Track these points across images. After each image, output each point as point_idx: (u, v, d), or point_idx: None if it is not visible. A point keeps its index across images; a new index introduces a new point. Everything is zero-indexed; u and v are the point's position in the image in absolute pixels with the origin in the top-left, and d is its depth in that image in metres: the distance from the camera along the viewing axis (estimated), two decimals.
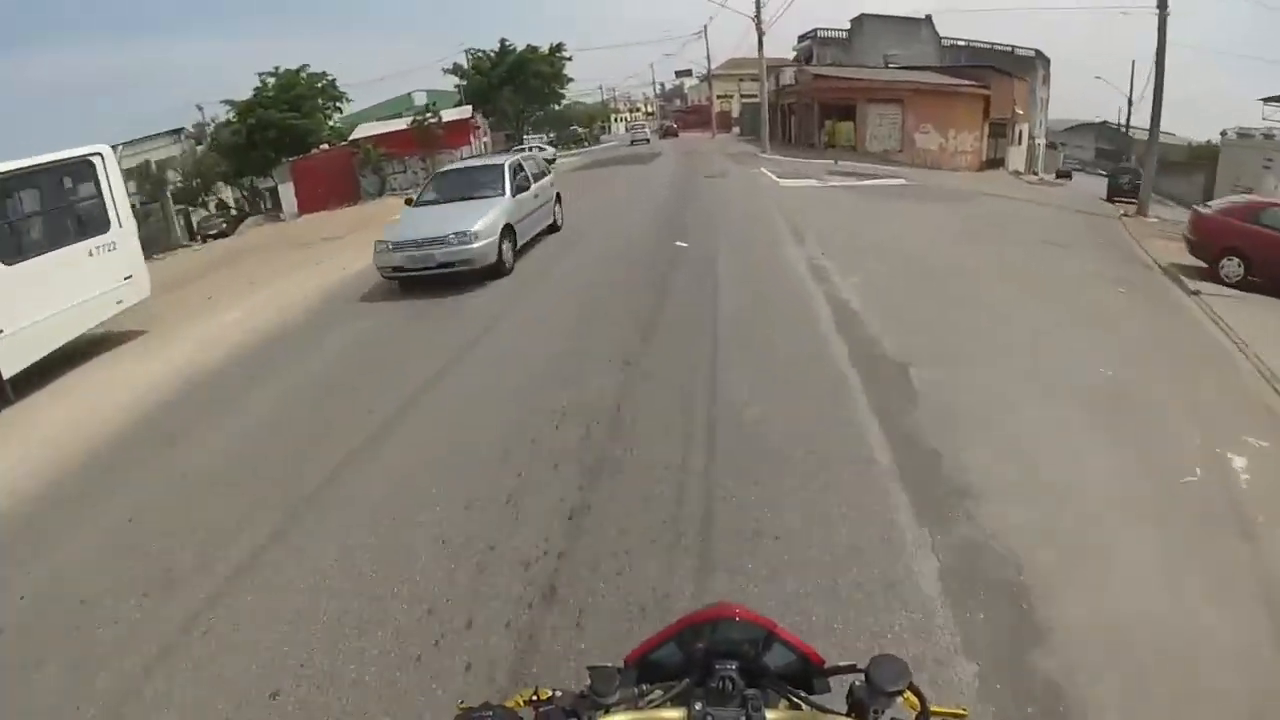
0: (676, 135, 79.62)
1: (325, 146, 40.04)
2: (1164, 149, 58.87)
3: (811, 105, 39.33)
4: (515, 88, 42.22)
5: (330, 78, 40.46)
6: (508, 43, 42.90)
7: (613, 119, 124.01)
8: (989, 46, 47.26)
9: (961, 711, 1.18)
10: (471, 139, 41.46)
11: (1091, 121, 74.66)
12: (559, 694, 1.20)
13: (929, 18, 49.77)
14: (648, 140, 50.73)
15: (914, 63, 43.22)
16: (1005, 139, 42.38)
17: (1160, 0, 20.37)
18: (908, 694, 1.10)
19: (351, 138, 40.33)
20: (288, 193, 38.64)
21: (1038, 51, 47.75)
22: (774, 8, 34.88)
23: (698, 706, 1.11)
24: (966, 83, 36.72)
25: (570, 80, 45.40)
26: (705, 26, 58.74)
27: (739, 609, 1.23)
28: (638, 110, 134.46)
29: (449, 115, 40.70)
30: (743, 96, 76.25)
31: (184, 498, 5.37)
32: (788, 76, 47.35)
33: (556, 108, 52.96)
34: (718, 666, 1.16)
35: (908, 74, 38.75)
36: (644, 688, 1.24)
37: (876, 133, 37.06)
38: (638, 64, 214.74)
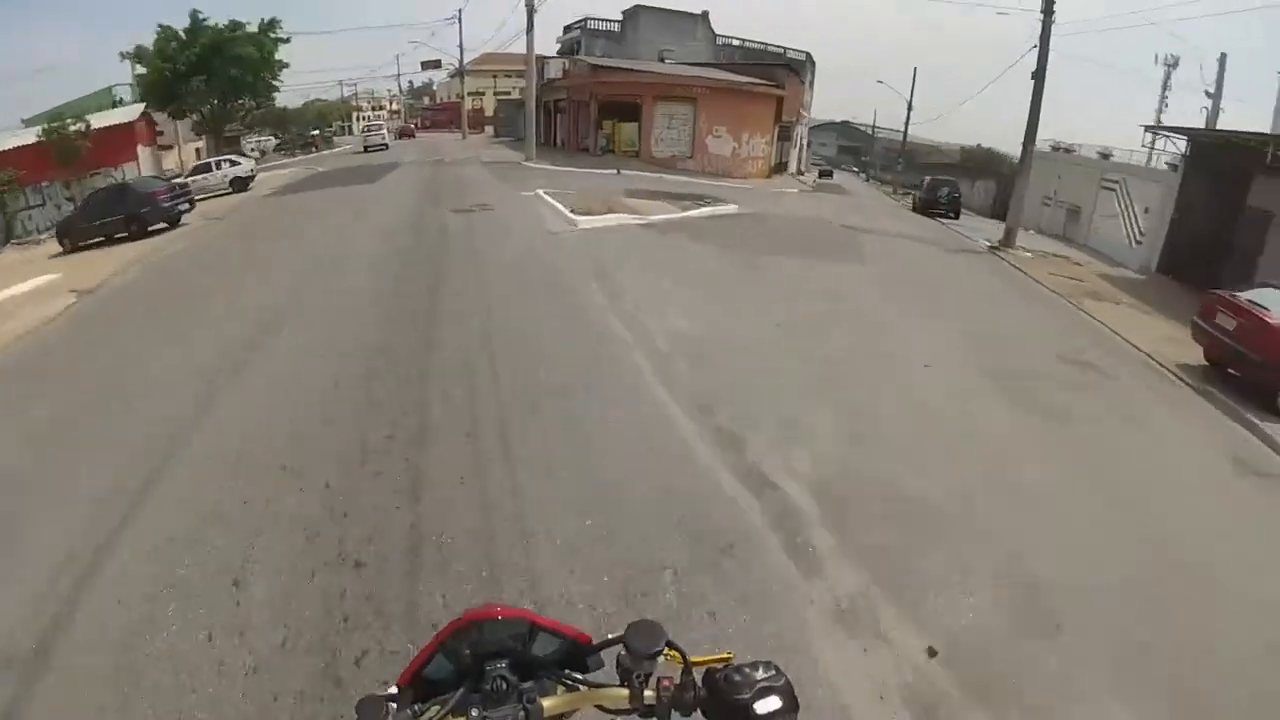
0: (413, 136, 70.74)
1: None
2: (922, 150, 61.23)
3: (587, 103, 32.48)
4: (209, 77, 30.57)
5: None
6: (202, 16, 31.03)
7: (355, 118, 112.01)
8: (762, 47, 45.39)
9: (726, 656, 1.16)
10: (141, 150, 29.46)
11: (833, 121, 78.20)
12: None
13: (705, 14, 47.09)
14: (385, 145, 41.58)
15: (689, 60, 38.84)
16: (789, 141, 39.10)
17: (1046, 5, 17.75)
18: (669, 652, 1.12)
19: None
20: None
21: (808, 54, 45.72)
22: None
23: (474, 713, 1.10)
24: (761, 82, 31.91)
25: (284, 67, 34.17)
26: (460, 10, 50.03)
27: (499, 608, 1.22)
28: (382, 108, 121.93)
29: (107, 119, 28.61)
30: (497, 94, 69.02)
31: None
32: (554, 70, 40.35)
33: (270, 103, 40.76)
34: (488, 668, 1.16)
35: (697, 70, 33.51)
36: (417, 708, 1.16)
37: (665, 136, 31.21)
38: (383, 56, 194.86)
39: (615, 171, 26.67)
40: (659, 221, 15.95)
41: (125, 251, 16.73)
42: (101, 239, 18.94)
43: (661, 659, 1.11)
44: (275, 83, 34.84)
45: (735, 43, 45.53)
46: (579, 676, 1.20)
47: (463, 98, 52.14)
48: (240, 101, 34.69)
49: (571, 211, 15.51)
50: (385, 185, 22.32)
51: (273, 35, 33.10)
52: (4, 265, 18.55)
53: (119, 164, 28.07)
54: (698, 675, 1.11)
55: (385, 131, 42.91)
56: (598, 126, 31.32)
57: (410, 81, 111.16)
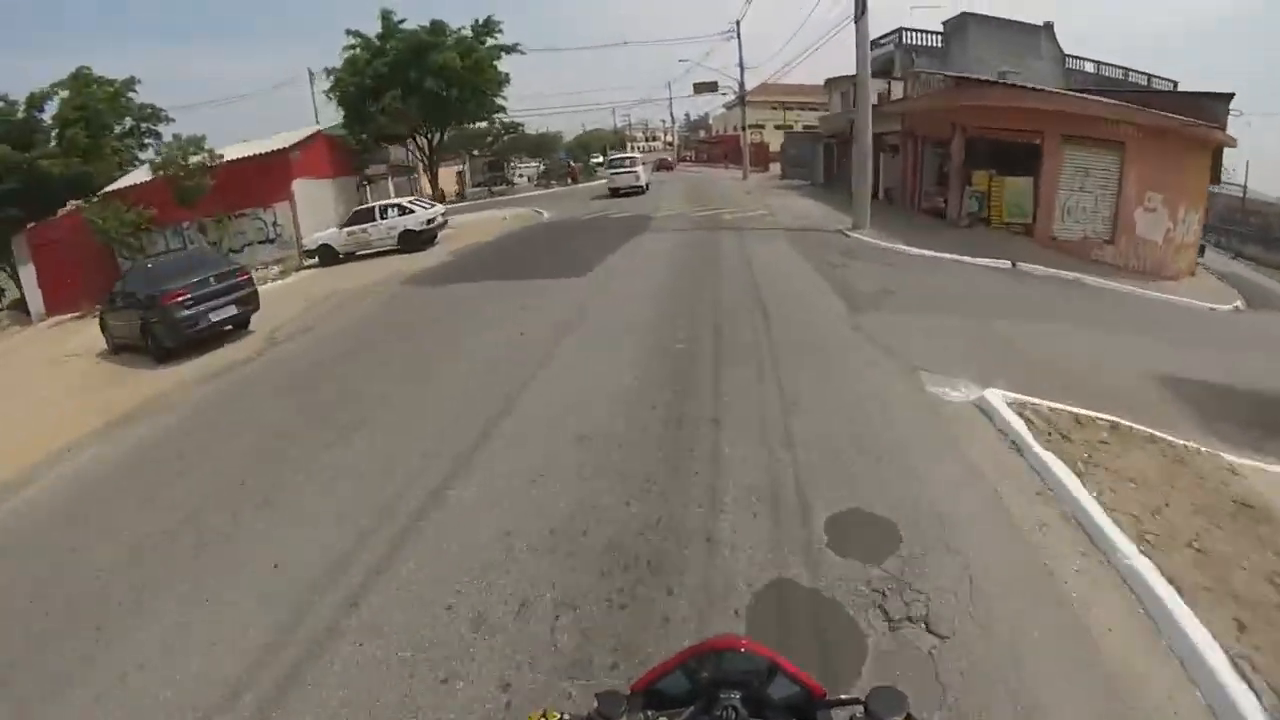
0: (670, 169, 62.75)
1: (79, 204, 22.13)
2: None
3: (944, 140, 20.46)
4: (406, 92, 23.98)
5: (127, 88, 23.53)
6: (397, 18, 24.66)
7: (629, 149, 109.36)
8: (1122, 73, 32.87)
9: None
10: (303, 186, 22.96)
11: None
12: (567, 717, 1.19)
13: (1049, 26, 34.14)
14: (640, 187, 31.96)
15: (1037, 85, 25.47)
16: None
17: None
18: None
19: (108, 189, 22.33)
20: (29, 279, 23.75)
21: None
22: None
23: None
24: (1205, 124, 17.75)
25: (504, 82, 26.96)
26: (738, 23, 40.57)
27: (744, 641, 1.28)
28: (655, 140, 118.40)
29: (252, 147, 23.00)
30: (779, 127, 59.44)
31: None
32: (871, 94, 29.00)
33: (496, 125, 33.94)
34: (722, 696, 1.20)
35: (1111, 97, 20.24)
36: (649, 714, 1.23)
37: (1074, 203, 18.23)
38: (657, 79, 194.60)
39: (1010, 265, 14.85)
40: None
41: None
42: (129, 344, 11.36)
43: None
44: (496, 99, 27.33)
45: (1089, 66, 32.69)
46: None
47: (744, 128, 42.22)
48: (463, 123, 27.71)
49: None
50: (608, 282, 12.36)
51: (489, 42, 25.55)
52: None
53: (270, 203, 21.70)
54: None
55: (639, 169, 33.19)
56: (963, 179, 19.46)
57: (687, 114, 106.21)
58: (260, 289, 17.31)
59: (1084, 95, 18.53)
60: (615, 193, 31.49)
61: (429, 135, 27.31)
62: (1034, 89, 17.97)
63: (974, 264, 14.48)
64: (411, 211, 19.33)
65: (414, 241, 18.97)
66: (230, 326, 11.60)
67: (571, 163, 56.52)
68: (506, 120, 50.50)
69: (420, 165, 28.81)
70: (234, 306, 11.54)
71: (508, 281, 12.95)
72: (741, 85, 38.81)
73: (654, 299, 10.45)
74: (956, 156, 19.39)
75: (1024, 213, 18.57)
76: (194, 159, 20.81)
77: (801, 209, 23.80)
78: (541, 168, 61.67)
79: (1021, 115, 17.64)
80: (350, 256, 19.60)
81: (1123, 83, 30.59)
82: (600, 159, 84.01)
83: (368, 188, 47.19)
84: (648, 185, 33.40)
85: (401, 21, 24.80)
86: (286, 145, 22.55)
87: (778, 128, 62.37)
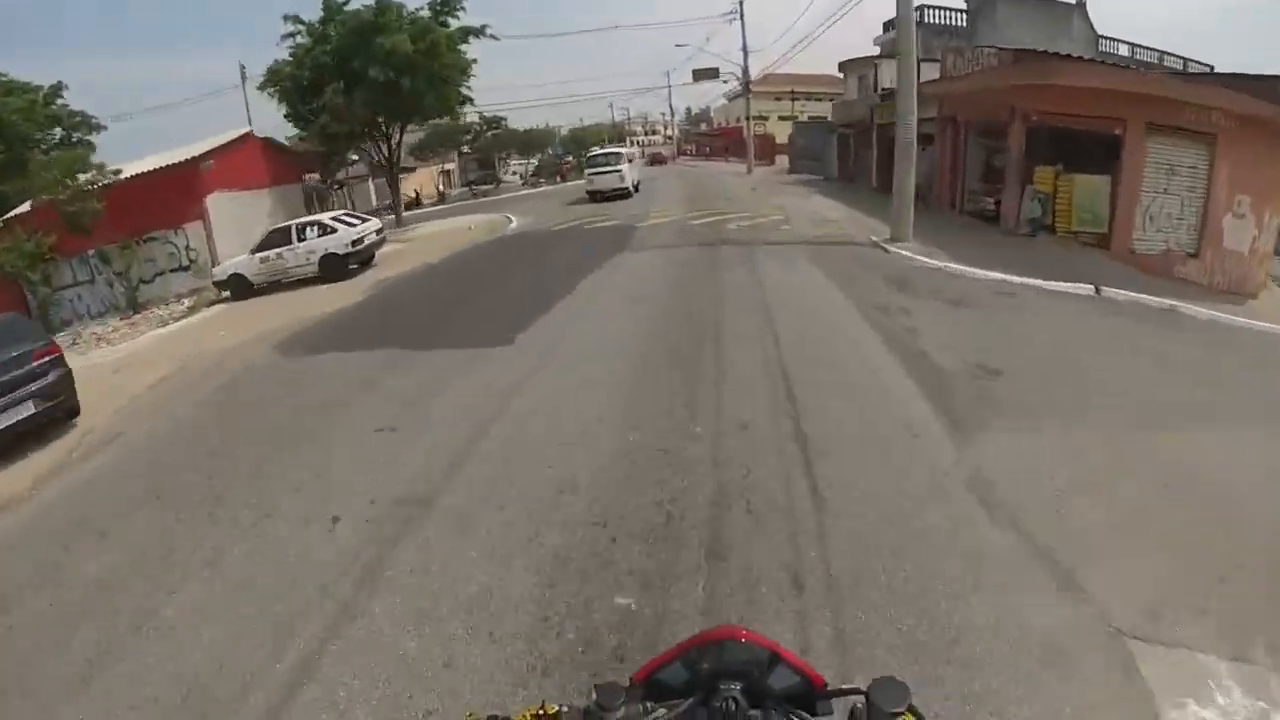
0: (664, 163, 60.39)
1: None
2: None
3: (998, 128, 16.53)
4: (349, 84, 20.27)
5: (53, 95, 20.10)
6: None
7: (627, 144, 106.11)
8: (1156, 56, 30.44)
9: None
10: (220, 201, 18.93)
11: None
12: (565, 709, 1.19)
13: (1081, 4, 30.83)
14: (626, 190, 26.70)
15: None
16: None
17: None
18: (907, 715, 1.09)
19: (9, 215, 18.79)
20: None
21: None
22: None
23: None
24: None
25: (468, 66, 23.07)
26: (740, 3, 36.68)
27: (744, 631, 1.24)
28: (655, 134, 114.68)
29: (154, 160, 19.27)
30: (785, 118, 55.93)
31: None
32: (886, 78, 25.33)
33: (456, 118, 29.47)
34: (722, 687, 1.18)
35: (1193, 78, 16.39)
36: (649, 705, 1.20)
37: (1158, 208, 14.54)
38: (655, 69, 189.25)
39: (1093, 292, 11.18)
40: None
41: None
42: None
43: None
44: (460, 89, 23.45)
45: (1123, 49, 29.71)
46: (807, 717, 1.19)
47: (749, 118, 38.32)
48: (425, 118, 23.93)
49: None
50: (546, 357, 8.08)
51: (452, 24, 21.73)
52: None
53: (182, 224, 18.07)
54: None
55: (626, 167, 27.14)
56: (1023, 177, 15.58)
57: (689, 108, 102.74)
58: (149, 335, 14.21)
59: (1172, 75, 14.72)
60: (596, 197, 26.70)
61: (386, 133, 23.57)
62: (1116, 66, 14.20)
63: (1054, 290, 10.80)
64: (333, 230, 15.56)
65: (337, 267, 15.32)
66: (30, 427, 7.94)
67: (563, 159, 52.90)
68: (488, 115, 47.06)
69: (391, 166, 24.99)
70: (30, 404, 7.90)
71: (404, 353, 8.96)
72: (745, 71, 34.99)
73: (609, 401, 6.58)
74: (1015, 148, 15.60)
75: (1097, 219, 14.80)
76: (82, 177, 17.18)
77: (819, 211, 20.05)
78: (533, 165, 58.30)
79: (1099, 98, 13.81)
80: (275, 286, 16.01)
81: (1158, 67, 27.30)
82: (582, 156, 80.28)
83: (342, 192, 43.74)
84: (637, 185, 28.99)
85: (345, 2, 21.06)
86: (197, 154, 18.68)
87: (782, 119, 58.93)
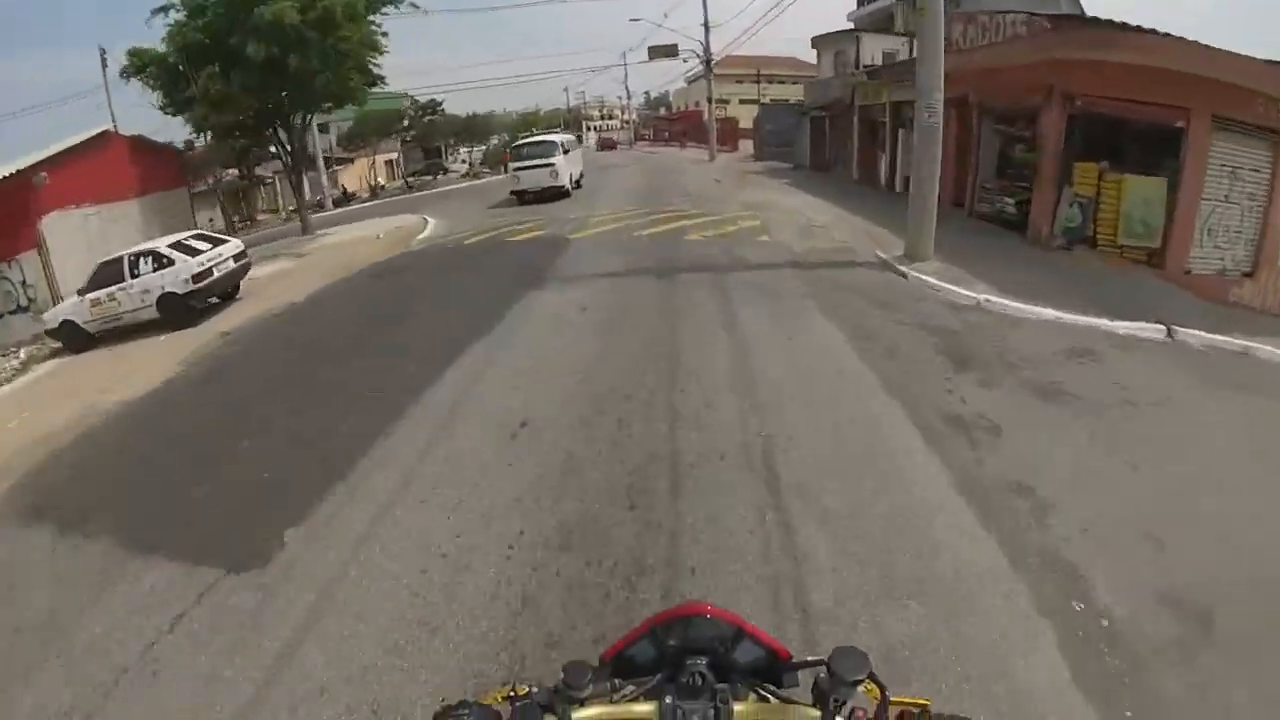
0: (615, 148, 59.21)
1: None
2: None
3: (1030, 113, 13.09)
4: (227, 67, 16.47)
5: None
6: None
7: (585, 129, 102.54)
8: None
9: (923, 701, 1.17)
10: (51, 226, 14.84)
11: None
12: (535, 689, 1.19)
13: None
14: (563, 187, 22.37)
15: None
16: None
17: None
18: (868, 683, 1.12)
19: None
20: None
21: None
22: None
23: (668, 700, 1.13)
24: None
25: (382, 39, 19.24)
26: None
27: (709, 607, 1.26)
28: (612, 118, 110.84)
29: None
30: (746, 101, 53.15)
31: None
32: (870, 55, 22.29)
33: (360, 103, 24.15)
34: (689, 662, 1.19)
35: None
36: (618, 683, 1.24)
37: (1218, 220, 11.71)
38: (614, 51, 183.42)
39: (1164, 334, 8.32)
40: None
41: None
42: None
43: (860, 689, 1.11)
44: (374, 66, 19.57)
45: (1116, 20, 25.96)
46: (773, 689, 1.22)
47: (710, 99, 34.91)
48: (327, 103, 19.95)
49: None
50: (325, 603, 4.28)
51: None
52: None
53: (13, 254, 14.24)
54: (893, 715, 1.12)
55: (561, 159, 22.21)
56: (1060, 175, 12.35)
57: (647, 93, 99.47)
58: None
59: (1244, 58, 11.74)
60: (524, 198, 22.17)
61: (287, 121, 19.65)
62: (1187, 40, 11.12)
63: (1126, 334, 7.86)
64: (169, 263, 11.78)
65: (178, 309, 11.56)
66: None
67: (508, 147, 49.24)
68: (423, 100, 43.02)
69: (296, 161, 21.02)
70: None
71: (117, 556, 4.93)
72: (706, 48, 31.56)
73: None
74: (1052, 139, 12.51)
75: (1150, 231, 11.84)
76: None
77: (801, 211, 16.89)
78: (479, 154, 54.40)
79: (1162, 81, 10.79)
80: (122, 332, 12.31)
81: None
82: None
83: (269, 188, 39.32)
84: (579, 180, 25.00)
85: None
86: (24, 166, 14.54)
87: (744, 102, 56.07)
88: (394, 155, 53.39)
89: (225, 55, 16.86)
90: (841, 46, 26.67)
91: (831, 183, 23.16)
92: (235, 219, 36.85)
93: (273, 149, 20.93)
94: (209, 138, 21.96)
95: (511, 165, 23.68)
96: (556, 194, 22.02)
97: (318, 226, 23.75)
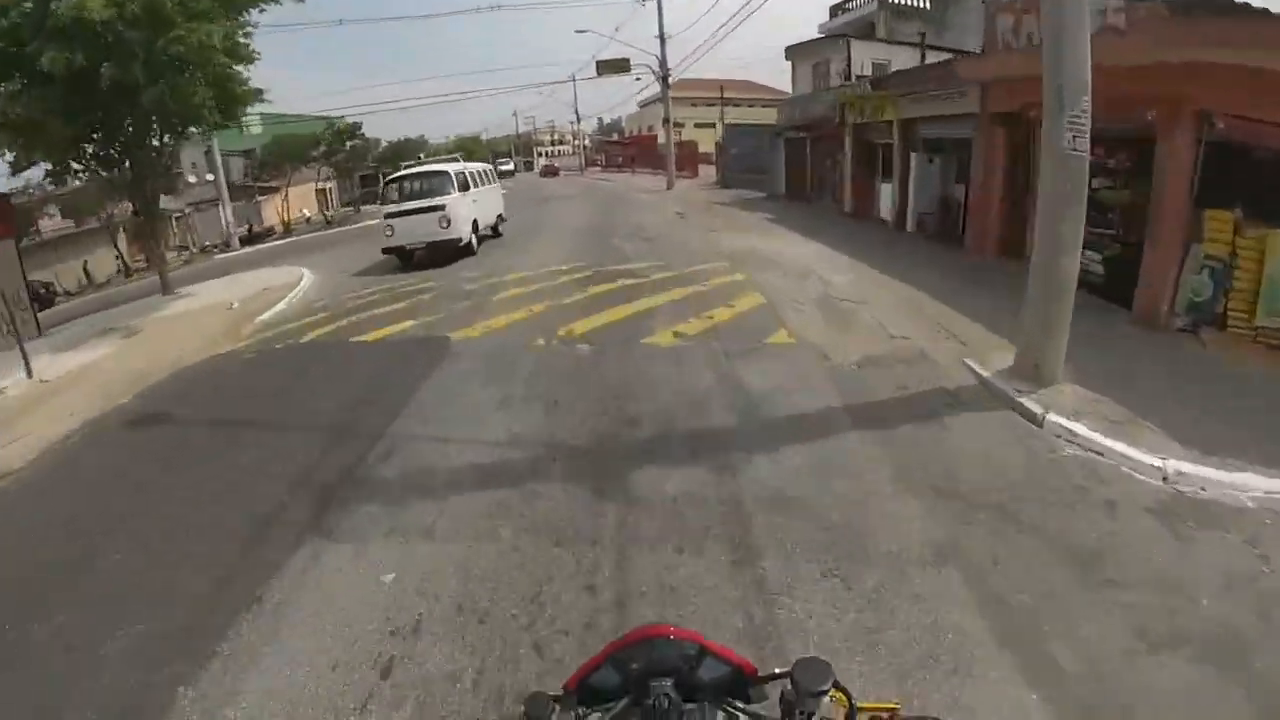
0: (557, 174, 59.11)
1: None
2: None
3: (1149, 133, 9.21)
4: (33, 78, 12.05)
5: None
6: None
7: (535, 154, 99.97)
8: None
9: (892, 705, 1.15)
10: None
11: None
12: None
13: None
14: (457, 238, 16.15)
15: None
16: None
17: None
18: (835, 692, 1.09)
19: None
20: None
21: None
22: None
23: None
24: None
25: (249, 47, 14.76)
26: None
27: (670, 628, 1.23)
28: (563, 143, 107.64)
29: None
30: (701, 125, 50.45)
31: None
32: (863, 59, 18.82)
33: (210, 126, 18.10)
34: (653, 685, 1.15)
35: None
36: (582, 711, 1.20)
37: None
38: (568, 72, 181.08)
39: None
40: None
41: None
42: None
43: (827, 699, 1.08)
44: (240, 75, 14.94)
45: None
46: (741, 705, 1.19)
47: (668, 120, 31.03)
48: (171, 126, 15.21)
49: None
50: None
51: None
52: None
53: None
54: None
55: (456, 199, 16.19)
56: (1188, 229, 8.51)
57: (600, 118, 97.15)
58: None
59: None
60: (405, 259, 16.56)
61: (119, 152, 14.94)
62: None
63: None
64: None
65: None
66: None
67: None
68: (342, 123, 38.63)
69: (145, 201, 16.25)
70: None
71: None
72: (663, 63, 27.77)
73: None
74: (1174, 174, 8.70)
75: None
76: None
77: (804, 264, 12.93)
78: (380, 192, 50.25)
79: None
80: None
81: None
82: (507, 163, 70.48)
83: (183, 223, 34.25)
84: (497, 226, 19.72)
85: None
86: None
87: (699, 126, 53.18)
88: (328, 185, 48.60)
89: (24, 66, 12.30)
90: (823, 57, 23.05)
91: (820, 217, 19.45)
92: (137, 259, 32.03)
93: (110, 180, 16.17)
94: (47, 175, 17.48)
95: (383, 211, 16.92)
96: (460, 248, 16.43)
97: (207, 273, 19.77)
